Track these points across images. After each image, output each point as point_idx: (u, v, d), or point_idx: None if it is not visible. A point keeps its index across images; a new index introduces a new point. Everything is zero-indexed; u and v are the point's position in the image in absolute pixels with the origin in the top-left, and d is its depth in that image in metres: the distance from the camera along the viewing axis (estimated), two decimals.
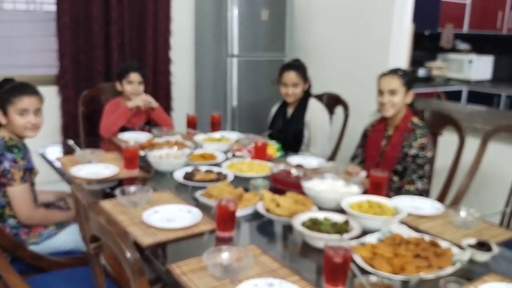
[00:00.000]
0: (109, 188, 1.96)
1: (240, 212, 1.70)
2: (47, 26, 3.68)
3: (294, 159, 2.47)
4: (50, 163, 2.38)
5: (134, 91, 2.96)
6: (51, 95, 3.68)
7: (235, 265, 1.29)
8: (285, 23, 4.05)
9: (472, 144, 2.39)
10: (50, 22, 3.65)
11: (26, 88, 2.03)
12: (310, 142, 2.93)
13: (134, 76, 2.96)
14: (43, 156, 2.48)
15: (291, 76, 2.89)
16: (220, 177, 2.08)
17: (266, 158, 2.45)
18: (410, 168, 2.30)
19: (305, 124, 2.92)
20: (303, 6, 4.21)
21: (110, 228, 0.98)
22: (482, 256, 1.45)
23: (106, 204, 1.75)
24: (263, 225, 1.70)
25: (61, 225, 2.09)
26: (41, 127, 2.09)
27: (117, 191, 1.76)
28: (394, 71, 2.40)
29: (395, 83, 2.33)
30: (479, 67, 5.50)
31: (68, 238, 2.08)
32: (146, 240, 1.48)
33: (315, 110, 2.94)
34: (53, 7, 3.60)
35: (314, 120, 2.91)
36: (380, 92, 2.36)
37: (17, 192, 1.93)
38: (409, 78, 2.38)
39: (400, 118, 2.38)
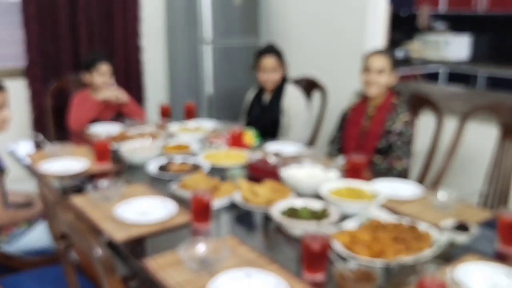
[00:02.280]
0: (80, 183, 1.92)
1: (217, 203, 1.69)
2: (12, 17, 3.58)
3: (271, 146, 2.47)
4: (19, 161, 2.33)
5: (104, 82, 2.91)
6: (19, 88, 3.60)
7: (212, 257, 1.29)
8: (259, 7, 4.02)
9: (450, 125, 2.43)
10: (15, 14, 3.56)
11: None
12: (287, 129, 2.93)
13: (105, 67, 2.91)
14: (11, 152, 2.42)
15: (270, 61, 2.88)
16: (196, 167, 2.06)
17: (243, 146, 2.44)
18: (396, 145, 2.33)
19: (282, 110, 2.92)
20: None
21: (79, 225, 0.96)
22: (460, 237, 1.48)
23: (78, 200, 1.73)
24: (241, 215, 1.70)
25: (32, 224, 2.05)
26: (10, 122, 2.03)
27: (89, 187, 1.74)
28: (383, 51, 2.44)
29: (384, 62, 2.37)
30: (456, 47, 5.57)
31: (42, 236, 2.04)
32: (120, 235, 1.46)
33: (292, 96, 2.94)
34: None
35: (292, 106, 2.91)
36: (367, 70, 2.38)
37: None
38: (395, 61, 2.42)
39: (382, 99, 2.41)
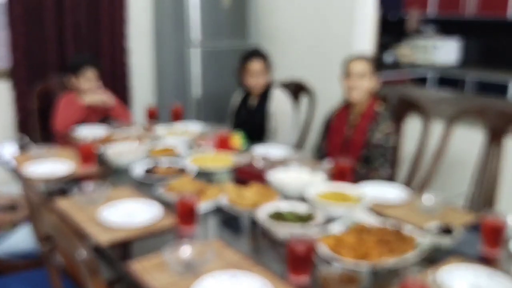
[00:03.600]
0: (64, 187, 1.92)
1: (203, 206, 1.71)
2: None
3: (259, 150, 2.49)
4: (4, 163, 2.32)
5: (91, 86, 2.91)
6: (3, 90, 3.59)
7: (196, 260, 1.30)
8: (247, 9, 4.05)
9: (437, 128, 2.47)
10: (1, 15, 3.54)
11: None
12: (274, 132, 2.95)
13: (91, 71, 2.91)
14: None
15: (258, 65, 2.88)
16: (183, 170, 2.08)
17: (230, 149, 2.46)
18: (374, 156, 2.37)
19: (269, 114, 2.93)
20: None
21: (63, 227, 0.97)
22: (444, 240, 1.51)
23: (63, 203, 1.73)
24: (227, 218, 1.72)
25: (17, 226, 2.05)
26: None
27: (74, 189, 1.74)
28: (363, 57, 2.46)
29: (364, 67, 2.39)
30: (445, 51, 5.64)
31: (26, 239, 2.04)
32: (105, 238, 1.47)
33: (279, 100, 2.95)
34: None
35: (278, 110, 2.92)
36: (348, 76, 2.41)
37: None
38: (375, 66, 2.45)
39: (364, 105, 2.44)
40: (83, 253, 0.91)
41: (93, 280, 0.92)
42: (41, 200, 1.06)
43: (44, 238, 1.10)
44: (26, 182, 1.30)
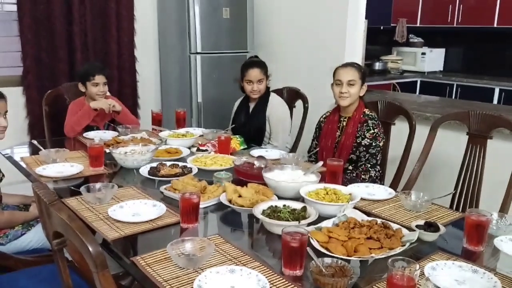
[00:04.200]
0: (73, 186, 1.93)
1: (204, 204, 1.71)
2: (9, 26, 3.57)
3: (256, 152, 2.50)
4: (15, 163, 2.32)
5: (100, 92, 2.92)
6: (17, 96, 3.59)
7: (197, 255, 1.31)
8: (246, 21, 4.06)
9: (423, 132, 2.48)
10: (12, 22, 3.55)
11: None
12: (271, 136, 2.97)
13: (99, 78, 2.91)
14: (8, 157, 2.42)
15: (255, 73, 2.92)
16: (185, 171, 2.08)
17: (229, 151, 2.47)
18: (364, 157, 2.38)
19: (266, 118, 2.96)
20: (263, 3, 4.24)
21: (72, 224, 0.98)
22: (429, 236, 1.52)
23: (71, 202, 1.74)
24: (226, 216, 1.73)
25: (27, 225, 2.05)
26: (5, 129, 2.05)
27: (82, 189, 1.75)
28: (352, 64, 2.47)
29: (354, 74, 2.40)
30: (432, 59, 5.68)
31: (34, 237, 2.05)
32: (111, 234, 1.48)
33: (275, 104, 2.98)
34: (14, 7, 3.50)
35: (275, 114, 2.95)
36: (338, 83, 2.42)
37: None
38: (364, 72, 2.46)
39: (353, 109, 2.45)
40: (91, 249, 0.92)
41: (101, 273, 0.93)
42: (51, 199, 1.06)
43: (54, 235, 1.10)
44: (37, 182, 1.31)
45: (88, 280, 1.67)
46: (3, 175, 2.02)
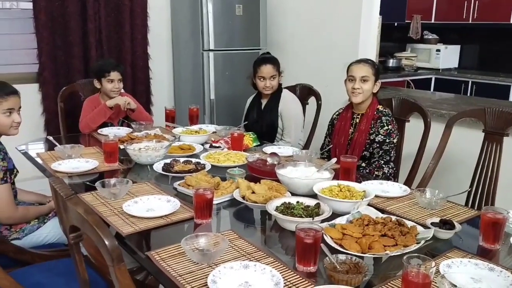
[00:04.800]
0: (88, 182, 1.95)
1: (217, 200, 1.72)
2: (25, 23, 3.61)
3: (269, 149, 2.50)
4: (31, 159, 2.35)
5: (114, 89, 2.94)
6: (34, 93, 3.64)
7: (212, 250, 1.31)
8: (258, 18, 4.06)
9: (438, 129, 2.46)
10: (27, 20, 3.59)
11: (9, 88, 2.00)
12: (284, 132, 2.97)
13: (114, 75, 2.94)
14: (24, 153, 2.45)
15: (268, 69, 2.91)
16: (198, 167, 2.09)
17: (242, 148, 2.47)
18: (377, 154, 2.36)
19: (278, 114, 2.95)
20: (276, 0, 4.23)
21: (88, 218, 0.99)
22: (445, 234, 1.51)
23: (87, 197, 1.76)
24: (239, 212, 1.73)
25: (42, 220, 2.08)
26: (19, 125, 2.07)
27: (97, 184, 1.76)
28: (366, 60, 2.45)
29: (367, 70, 2.38)
30: (447, 56, 5.61)
31: (50, 232, 2.07)
32: (126, 229, 1.49)
33: (287, 101, 2.98)
34: (29, 5, 3.54)
35: (287, 110, 2.95)
36: (351, 79, 2.40)
37: None
38: (377, 69, 2.44)
39: (367, 106, 2.43)
40: (108, 242, 0.93)
41: (117, 267, 0.94)
42: (68, 194, 1.07)
43: (70, 229, 1.12)
44: (53, 177, 1.33)
45: (103, 274, 1.69)
46: (17, 171, 2.04)
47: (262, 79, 2.93)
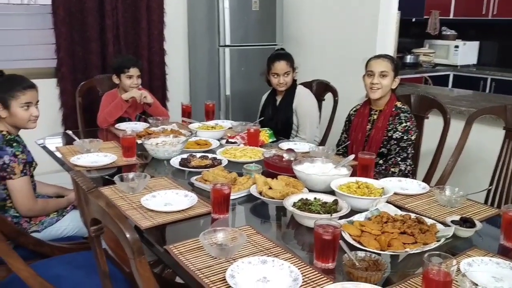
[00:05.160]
0: (107, 176, 1.97)
1: (234, 195, 1.72)
2: (43, 19, 3.65)
3: (285, 145, 2.50)
4: (50, 153, 2.39)
5: (133, 85, 2.97)
6: (51, 88, 3.68)
7: (230, 245, 1.32)
8: (275, 13, 4.05)
9: (457, 126, 2.43)
10: (46, 15, 3.63)
11: (26, 82, 2.03)
12: (299, 128, 2.96)
13: (133, 71, 2.96)
14: (43, 146, 2.48)
15: (282, 65, 2.90)
16: (215, 162, 2.10)
17: (259, 144, 2.47)
18: (394, 151, 2.34)
19: (293, 110, 2.94)
20: None
21: (110, 211, 1.00)
22: (465, 232, 1.49)
23: (105, 191, 1.77)
24: (256, 207, 1.73)
25: (61, 213, 2.11)
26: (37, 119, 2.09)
27: (115, 178, 1.78)
28: (385, 55, 2.43)
29: (386, 66, 2.36)
30: (465, 53, 5.53)
31: (69, 225, 2.10)
32: (144, 223, 1.50)
33: (302, 97, 2.96)
34: (48, 0, 3.57)
35: (301, 106, 2.93)
36: (370, 74, 2.38)
37: (17, 185, 1.93)
38: (397, 64, 2.41)
39: (385, 102, 2.41)
40: (129, 235, 0.93)
41: (138, 260, 0.95)
42: (90, 187, 1.09)
43: (92, 222, 1.13)
44: (75, 171, 1.34)
45: (122, 268, 1.71)
46: (36, 164, 2.07)
47: (275, 76, 2.92)
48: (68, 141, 2.52)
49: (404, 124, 2.33)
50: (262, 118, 3.00)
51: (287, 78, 2.92)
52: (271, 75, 2.94)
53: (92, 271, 1.48)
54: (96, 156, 2.23)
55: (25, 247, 1.85)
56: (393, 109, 2.38)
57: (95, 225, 1.13)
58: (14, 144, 1.94)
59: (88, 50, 3.73)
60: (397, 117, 2.35)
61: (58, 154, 2.32)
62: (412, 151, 2.39)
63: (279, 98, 3.02)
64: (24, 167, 1.94)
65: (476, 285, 1.15)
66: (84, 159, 2.18)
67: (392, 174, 2.24)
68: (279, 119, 2.97)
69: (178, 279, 1.99)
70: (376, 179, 1.88)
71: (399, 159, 2.34)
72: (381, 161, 2.38)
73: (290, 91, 2.97)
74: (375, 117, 2.43)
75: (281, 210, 1.68)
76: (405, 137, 2.32)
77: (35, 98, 2.04)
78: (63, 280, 1.59)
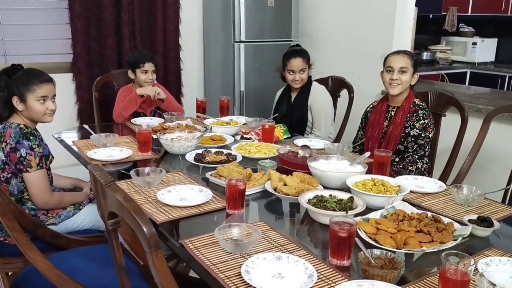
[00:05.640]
0: (123, 170, 1.99)
1: (249, 191, 1.72)
2: (60, 14, 3.69)
3: (300, 141, 2.49)
4: (67, 146, 2.41)
5: (148, 80, 2.98)
6: (68, 82, 3.72)
7: (245, 240, 1.32)
8: (290, 9, 4.03)
9: (475, 124, 2.39)
10: (63, 10, 3.67)
11: (43, 75, 2.04)
12: (314, 125, 2.94)
13: (148, 66, 2.98)
14: (60, 140, 2.51)
15: (298, 62, 2.88)
16: (230, 158, 2.10)
17: (273, 140, 2.47)
18: (411, 148, 2.32)
19: (308, 107, 2.93)
20: None
21: (127, 205, 1.00)
22: (483, 232, 1.47)
23: (121, 185, 1.79)
24: (271, 204, 1.73)
25: (78, 206, 2.13)
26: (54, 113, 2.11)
27: (131, 172, 1.79)
28: (404, 51, 2.40)
29: (406, 61, 2.34)
30: (483, 50, 5.45)
31: (85, 219, 2.12)
32: (160, 217, 1.51)
33: (317, 94, 2.95)
34: None
35: (316, 103, 2.92)
36: (389, 70, 2.36)
37: (33, 178, 1.95)
38: (416, 60, 2.39)
39: (403, 99, 2.39)
40: (146, 229, 0.94)
41: (154, 254, 0.95)
42: (107, 181, 1.09)
43: (109, 215, 1.14)
44: (93, 164, 1.36)
45: (137, 261, 1.72)
46: (53, 157, 2.09)
47: (291, 73, 2.91)
48: (84, 135, 2.55)
49: (422, 122, 2.31)
50: (277, 114, 2.99)
51: (303, 75, 2.91)
52: (286, 71, 2.93)
53: (108, 264, 1.50)
54: (112, 150, 2.25)
55: (42, 239, 1.87)
56: (412, 106, 2.36)
57: (112, 218, 1.14)
58: (31, 137, 1.96)
59: (104, 45, 3.76)
60: (415, 114, 2.33)
61: (75, 148, 2.35)
62: (429, 149, 2.36)
63: (294, 95, 3.01)
64: (40, 160, 1.96)
65: (494, 285, 1.14)
66: (101, 153, 2.20)
67: (409, 173, 2.22)
68: (294, 116, 2.96)
69: (192, 273, 2.01)
70: (393, 177, 1.86)
71: (416, 157, 2.32)
72: (397, 159, 2.36)
73: (306, 88, 2.95)
74: (393, 113, 2.41)
75: (295, 206, 1.67)
76: (422, 135, 2.30)
77: (52, 92, 2.05)
78: (79, 272, 1.61)
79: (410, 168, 2.30)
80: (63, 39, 3.70)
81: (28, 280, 1.65)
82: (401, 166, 2.33)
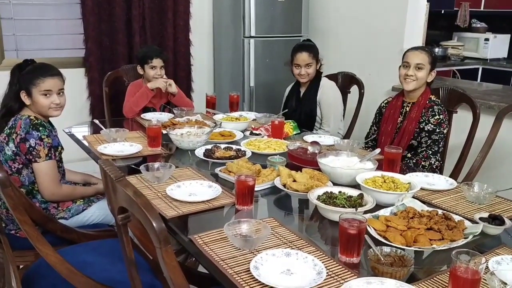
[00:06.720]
0: (133, 165, 2.00)
1: (258, 187, 1.72)
2: (72, 9, 3.71)
3: (309, 137, 2.48)
4: (78, 141, 2.43)
5: (156, 75, 2.99)
6: (80, 77, 3.74)
7: (254, 236, 1.32)
8: (301, 4, 4.01)
9: (486, 121, 2.37)
10: (75, 6, 3.68)
11: (48, 70, 2.05)
12: (323, 121, 2.93)
13: (157, 62, 2.98)
14: (71, 135, 2.53)
15: (303, 56, 2.87)
16: (239, 154, 2.10)
17: (283, 136, 2.46)
18: (425, 143, 2.30)
19: (317, 103, 2.91)
20: None
21: (137, 200, 1.01)
22: (494, 230, 1.45)
23: (131, 180, 1.79)
24: (280, 200, 1.73)
25: (89, 201, 2.14)
26: (64, 106, 2.12)
27: (141, 167, 1.80)
28: (423, 47, 2.39)
29: (423, 58, 2.32)
30: (496, 46, 5.37)
31: (96, 213, 2.13)
32: (169, 212, 1.52)
33: (326, 89, 2.93)
34: None
35: (325, 98, 2.90)
36: (406, 65, 2.35)
37: (42, 168, 1.96)
38: (434, 58, 2.37)
39: (419, 95, 2.37)
40: (155, 224, 0.94)
41: (164, 249, 0.95)
42: (118, 175, 1.10)
43: (119, 210, 1.14)
44: (103, 159, 1.36)
45: (147, 256, 1.73)
46: (62, 148, 2.10)
47: (297, 67, 2.90)
48: (95, 130, 2.56)
49: (437, 117, 2.29)
50: (286, 110, 2.98)
51: (309, 69, 2.89)
52: (293, 65, 2.92)
53: (118, 258, 1.51)
54: (122, 145, 2.26)
55: (53, 233, 1.89)
56: (427, 102, 2.34)
57: (122, 213, 1.15)
58: (41, 128, 1.98)
59: (115, 41, 3.77)
60: (430, 110, 2.31)
61: (85, 143, 2.36)
62: (442, 145, 2.34)
63: (303, 90, 3.00)
64: (49, 150, 1.98)
65: (505, 284, 1.13)
66: (111, 148, 2.21)
67: (422, 168, 2.20)
68: (302, 111, 2.95)
69: (201, 269, 2.01)
70: (404, 174, 1.85)
71: (430, 152, 2.30)
72: (409, 155, 2.35)
73: (314, 83, 2.94)
74: (407, 109, 2.40)
75: (304, 203, 1.67)
76: (437, 130, 2.28)
77: (57, 86, 2.05)
78: (89, 266, 1.62)
79: (423, 163, 2.29)
80: (75, 34, 3.72)
81: (39, 273, 1.66)
82: (414, 161, 2.32)
